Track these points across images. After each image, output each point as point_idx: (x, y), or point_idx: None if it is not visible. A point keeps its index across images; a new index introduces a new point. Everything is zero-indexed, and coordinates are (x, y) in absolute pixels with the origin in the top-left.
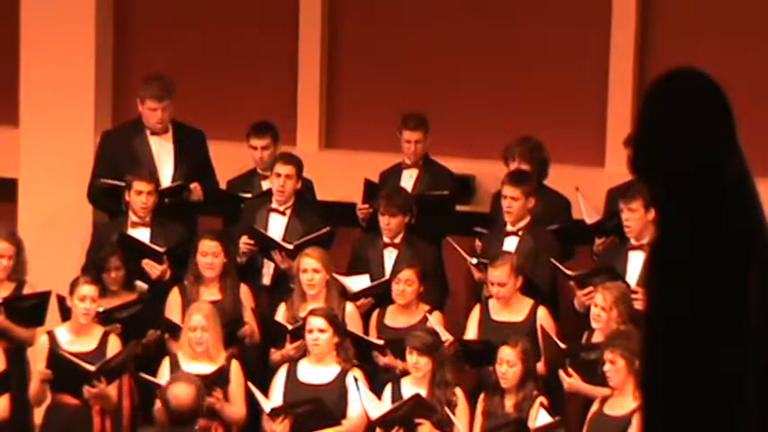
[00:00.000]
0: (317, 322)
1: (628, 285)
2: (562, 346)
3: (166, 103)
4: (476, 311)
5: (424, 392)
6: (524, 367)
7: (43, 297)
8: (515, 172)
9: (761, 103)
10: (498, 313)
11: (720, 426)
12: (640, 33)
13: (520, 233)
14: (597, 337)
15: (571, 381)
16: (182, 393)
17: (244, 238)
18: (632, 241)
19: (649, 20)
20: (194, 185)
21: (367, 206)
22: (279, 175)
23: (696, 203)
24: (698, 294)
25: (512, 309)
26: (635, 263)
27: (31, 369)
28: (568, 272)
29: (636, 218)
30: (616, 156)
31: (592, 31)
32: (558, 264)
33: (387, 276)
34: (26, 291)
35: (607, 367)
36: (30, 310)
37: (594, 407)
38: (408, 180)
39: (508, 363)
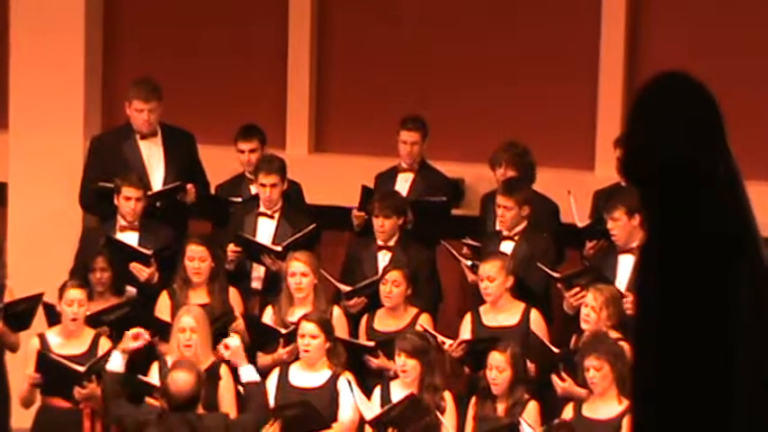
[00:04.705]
0: (308, 328)
1: (613, 284)
2: (555, 350)
3: (153, 104)
4: (467, 319)
5: None
6: (514, 372)
7: (35, 300)
8: (508, 181)
9: (751, 105)
10: (490, 319)
11: (714, 427)
12: (630, 37)
13: (516, 238)
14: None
15: (564, 385)
16: (180, 380)
17: (231, 246)
18: (621, 245)
19: (639, 23)
20: (190, 186)
21: (362, 213)
22: (264, 186)
23: (687, 205)
24: (690, 295)
25: (503, 313)
26: (624, 267)
27: (8, 372)
28: (555, 274)
29: (620, 226)
30: (606, 160)
31: (582, 35)
32: (544, 267)
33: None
34: (6, 295)
35: (591, 374)
36: (19, 314)
37: (570, 413)
38: (404, 184)
39: (498, 368)
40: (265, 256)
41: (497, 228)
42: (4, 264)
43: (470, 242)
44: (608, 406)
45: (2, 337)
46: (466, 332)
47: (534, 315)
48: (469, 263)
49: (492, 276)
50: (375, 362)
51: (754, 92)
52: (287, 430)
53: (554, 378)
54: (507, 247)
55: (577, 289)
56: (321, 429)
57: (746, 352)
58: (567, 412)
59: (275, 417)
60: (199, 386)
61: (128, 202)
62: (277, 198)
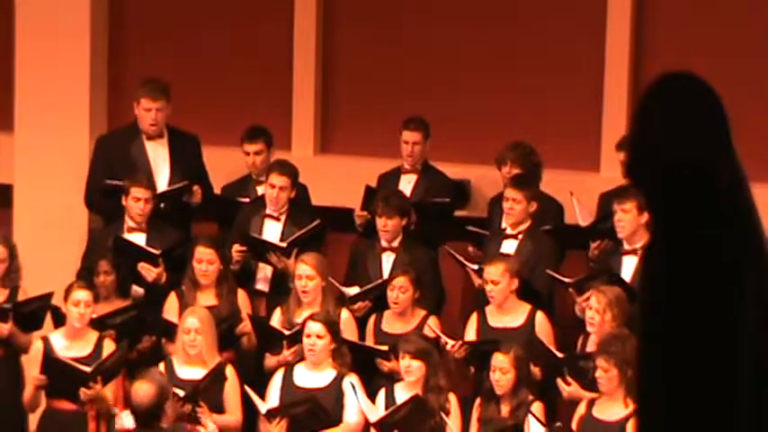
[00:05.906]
0: (315, 328)
1: (626, 286)
2: (559, 355)
3: (161, 103)
4: (473, 319)
5: None
6: (517, 374)
7: (45, 299)
8: (518, 175)
9: (757, 107)
10: (496, 320)
11: (719, 426)
12: (635, 39)
13: (519, 236)
14: (593, 342)
15: (570, 389)
16: (140, 391)
17: (236, 246)
18: (625, 246)
19: (644, 25)
20: (196, 188)
21: (365, 213)
22: (273, 186)
23: (692, 205)
24: (694, 295)
25: (509, 314)
26: (628, 267)
27: (24, 375)
28: (566, 279)
29: (628, 219)
30: (611, 161)
31: (587, 37)
32: (554, 273)
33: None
34: (21, 296)
35: (599, 374)
36: (29, 314)
37: (582, 410)
38: (407, 185)
39: (501, 370)
40: (271, 254)
41: (503, 226)
42: (19, 266)
43: (475, 229)
44: (616, 408)
45: (13, 337)
46: (471, 332)
47: (540, 317)
48: (475, 267)
49: (496, 280)
50: (387, 365)
51: (760, 93)
52: (293, 429)
53: (559, 382)
54: (510, 245)
55: (589, 293)
56: (327, 428)
57: (751, 351)
58: (580, 410)
59: (281, 415)
60: (160, 399)
61: (137, 203)
62: (283, 202)
